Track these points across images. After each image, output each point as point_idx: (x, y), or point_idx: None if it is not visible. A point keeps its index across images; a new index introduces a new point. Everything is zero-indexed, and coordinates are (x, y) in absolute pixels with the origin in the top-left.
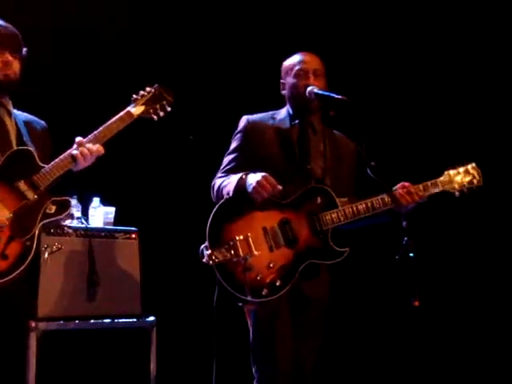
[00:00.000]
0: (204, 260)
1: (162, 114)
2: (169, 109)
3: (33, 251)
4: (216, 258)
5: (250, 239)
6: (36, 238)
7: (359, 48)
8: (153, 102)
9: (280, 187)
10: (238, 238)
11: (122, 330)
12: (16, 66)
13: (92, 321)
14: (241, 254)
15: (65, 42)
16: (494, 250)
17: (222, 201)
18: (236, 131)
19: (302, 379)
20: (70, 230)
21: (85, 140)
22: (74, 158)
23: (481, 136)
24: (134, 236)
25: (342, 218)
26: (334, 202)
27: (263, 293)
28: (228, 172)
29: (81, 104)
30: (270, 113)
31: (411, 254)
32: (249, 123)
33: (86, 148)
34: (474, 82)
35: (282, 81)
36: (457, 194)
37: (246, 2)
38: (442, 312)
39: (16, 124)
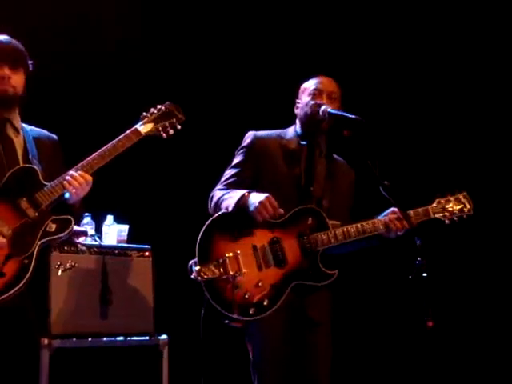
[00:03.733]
0: (192, 276)
1: (171, 132)
2: (179, 127)
3: (30, 270)
4: (205, 274)
5: (240, 257)
6: (35, 257)
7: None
8: (162, 119)
9: (281, 211)
10: (227, 255)
11: (134, 347)
12: (16, 80)
13: (105, 338)
14: (230, 271)
15: (80, 56)
16: (507, 270)
17: (214, 217)
18: (241, 145)
19: None
20: (84, 248)
21: (89, 159)
22: (64, 186)
23: (472, 164)
24: (147, 254)
25: (332, 240)
26: (326, 223)
27: (250, 312)
28: (229, 186)
29: (95, 117)
30: (277, 131)
31: (424, 274)
32: (256, 139)
33: (74, 179)
34: (465, 110)
35: (297, 100)
36: (447, 221)
37: (253, 20)
38: (456, 332)
39: (24, 140)
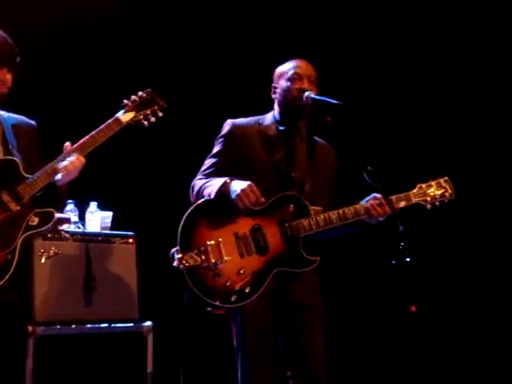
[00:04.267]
0: (174, 264)
1: (153, 119)
2: (160, 114)
3: (14, 265)
4: (186, 262)
5: (221, 244)
6: (18, 251)
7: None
8: (143, 107)
9: (263, 199)
10: (209, 242)
11: (118, 334)
12: (10, 80)
13: (89, 325)
14: (211, 259)
15: (62, 43)
16: (491, 253)
17: (196, 204)
18: (220, 134)
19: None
20: (67, 235)
21: (71, 149)
22: (56, 170)
23: (454, 149)
24: (131, 241)
25: (314, 227)
26: (307, 209)
27: (232, 299)
28: (209, 175)
29: (75, 106)
30: (256, 118)
31: (408, 259)
32: (234, 128)
33: (69, 162)
34: (445, 95)
35: (273, 85)
36: (428, 206)
37: (237, 7)
38: (439, 317)
39: (3, 130)
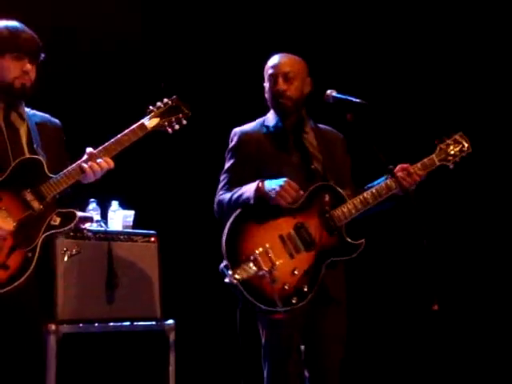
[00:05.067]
0: (227, 280)
1: (177, 127)
2: (184, 122)
3: (33, 263)
4: (239, 275)
5: (270, 250)
6: (38, 250)
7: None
8: (168, 114)
9: (302, 192)
10: (257, 251)
11: (140, 332)
12: (33, 73)
13: (111, 324)
14: (264, 267)
15: (86, 46)
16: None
17: (233, 216)
18: (229, 147)
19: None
20: (90, 234)
21: (96, 152)
22: (83, 170)
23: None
24: (152, 239)
25: (353, 211)
26: (341, 196)
27: (293, 301)
28: (229, 189)
29: (101, 110)
30: (260, 120)
31: (429, 257)
32: (241, 136)
33: (96, 163)
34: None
35: (264, 83)
36: (451, 166)
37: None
38: (461, 316)
39: (28, 128)
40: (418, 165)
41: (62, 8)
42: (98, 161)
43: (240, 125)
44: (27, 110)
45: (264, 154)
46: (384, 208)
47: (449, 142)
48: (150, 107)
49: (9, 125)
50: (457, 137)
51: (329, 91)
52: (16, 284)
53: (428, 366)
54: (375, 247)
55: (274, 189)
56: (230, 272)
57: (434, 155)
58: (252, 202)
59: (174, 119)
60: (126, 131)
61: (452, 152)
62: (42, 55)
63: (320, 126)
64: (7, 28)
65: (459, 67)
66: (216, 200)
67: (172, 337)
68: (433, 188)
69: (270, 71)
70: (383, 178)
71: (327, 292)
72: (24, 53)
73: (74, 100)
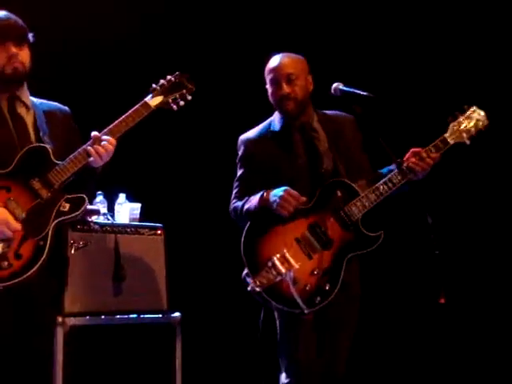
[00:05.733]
0: (249, 289)
1: (181, 103)
2: (189, 98)
3: (46, 251)
4: (260, 283)
5: (287, 254)
6: (50, 238)
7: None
8: (172, 91)
9: (304, 198)
10: (275, 257)
11: (147, 325)
12: (23, 55)
13: (118, 316)
14: (282, 271)
15: (87, 29)
16: None
17: (248, 224)
18: (238, 156)
19: (333, 377)
20: (97, 226)
21: (100, 134)
22: (88, 153)
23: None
24: (159, 232)
25: (367, 204)
26: (354, 189)
27: (317, 301)
28: (242, 197)
29: (104, 91)
30: (266, 124)
31: (436, 251)
32: (247, 144)
33: (100, 145)
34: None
35: (266, 87)
36: (467, 142)
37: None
38: (468, 309)
39: (34, 117)
40: (431, 148)
41: None
42: (103, 143)
43: (244, 125)
44: (34, 99)
45: (271, 159)
46: (400, 191)
47: (461, 118)
48: (153, 85)
49: (14, 115)
50: (470, 111)
51: (335, 84)
52: (30, 273)
53: (435, 358)
54: (382, 241)
55: (275, 200)
56: (251, 280)
57: (446, 134)
58: (255, 211)
59: (178, 95)
60: (130, 111)
61: (466, 128)
62: (30, 35)
63: (327, 112)
64: None
65: (468, 58)
66: (230, 208)
67: (178, 329)
68: (441, 179)
69: (272, 75)
70: (408, 154)
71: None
72: (6, 38)
73: (76, 83)
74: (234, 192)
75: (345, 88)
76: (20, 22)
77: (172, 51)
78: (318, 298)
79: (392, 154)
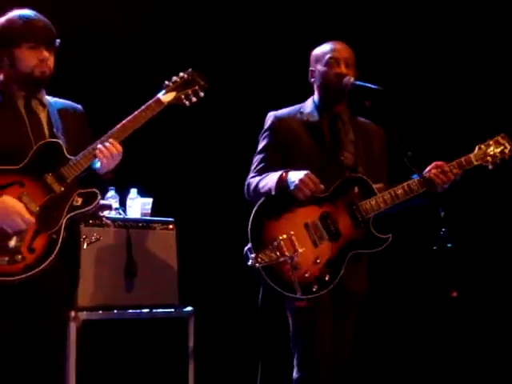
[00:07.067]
0: (249, 263)
1: (194, 99)
2: (202, 94)
3: (59, 244)
4: (262, 260)
5: (294, 237)
6: (63, 231)
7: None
8: (184, 87)
9: (322, 186)
10: (281, 237)
11: (159, 319)
12: (51, 61)
13: (130, 311)
14: (286, 253)
15: (101, 27)
16: None
17: (261, 201)
18: (264, 129)
19: (338, 375)
20: (109, 221)
21: (112, 131)
22: (95, 152)
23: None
24: (171, 226)
25: (381, 205)
26: (372, 189)
27: (314, 289)
28: (260, 171)
29: (117, 88)
30: (297, 106)
31: (449, 245)
32: (276, 120)
33: (104, 147)
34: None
35: (310, 68)
36: (490, 166)
37: None
38: (480, 303)
39: (48, 114)
40: (454, 163)
41: None
42: (106, 144)
43: (255, 120)
44: (48, 98)
45: (295, 140)
46: (418, 203)
47: (490, 142)
48: (166, 82)
49: (30, 111)
50: (499, 138)
51: (347, 78)
52: (43, 266)
53: (445, 351)
54: (395, 233)
55: (294, 182)
56: (253, 255)
57: (472, 154)
58: (274, 192)
59: (190, 92)
60: (143, 107)
61: (491, 152)
62: (58, 41)
63: (359, 118)
64: (20, 18)
65: (481, 53)
66: (246, 182)
67: (191, 323)
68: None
69: (330, 55)
70: (431, 166)
71: (343, 285)
72: (40, 42)
73: (89, 80)
74: (253, 166)
75: (356, 82)
76: (51, 26)
77: (181, 49)
78: (316, 287)
79: (402, 146)
